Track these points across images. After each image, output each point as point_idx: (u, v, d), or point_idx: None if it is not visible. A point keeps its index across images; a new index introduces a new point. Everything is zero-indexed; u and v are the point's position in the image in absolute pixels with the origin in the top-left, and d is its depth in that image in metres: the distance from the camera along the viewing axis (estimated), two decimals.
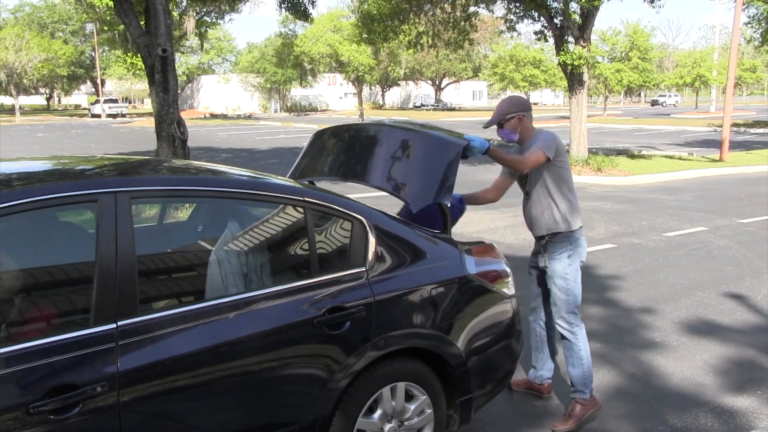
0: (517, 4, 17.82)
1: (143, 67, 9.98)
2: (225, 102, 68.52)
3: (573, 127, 16.71)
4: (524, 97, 4.16)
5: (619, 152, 20.20)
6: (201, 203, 3.30)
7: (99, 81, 61.68)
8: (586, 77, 16.56)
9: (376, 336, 2.96)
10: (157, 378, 2.43)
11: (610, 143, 24.75)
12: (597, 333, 5.39)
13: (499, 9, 20.71)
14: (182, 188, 2.86)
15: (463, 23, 19.04)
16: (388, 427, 3.09)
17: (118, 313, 2.41)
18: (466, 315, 3.32)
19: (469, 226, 9.44)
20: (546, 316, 4.22)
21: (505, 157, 3.76)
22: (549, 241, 3.97)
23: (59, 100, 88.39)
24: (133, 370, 2.37)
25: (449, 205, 3.47)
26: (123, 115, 57.26)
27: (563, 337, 4.03)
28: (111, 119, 54.12)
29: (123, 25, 12.70)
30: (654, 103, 77.17)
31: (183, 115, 10.80)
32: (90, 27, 57.19)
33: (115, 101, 60.95)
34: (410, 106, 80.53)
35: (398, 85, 75.99)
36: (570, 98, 16.96)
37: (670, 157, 19.55)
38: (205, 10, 30.79)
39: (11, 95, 52.46)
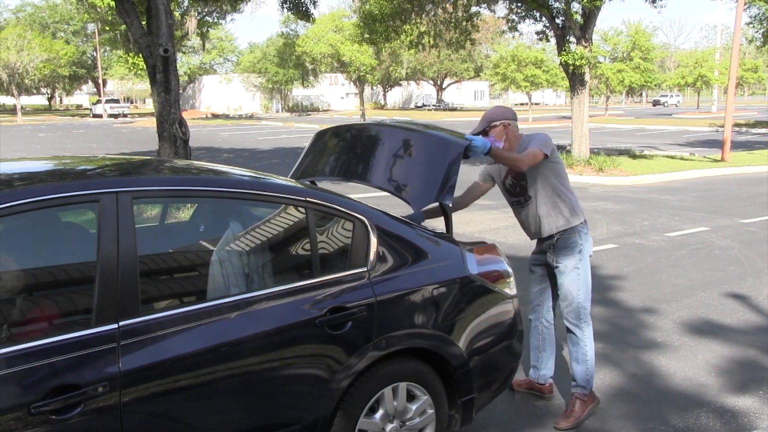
0: (519, 4, 17.82)
1: (145, 67, 9.98)
2: (227, 102, 68.54)
3: (575, 127, 16.70)
4: (510, 107, 4.14)
5: (621, 152, 20.18)
6: (202, 203, 3.30)
7: (101, 81, 61.73)
8: (587, 77, 16.55)
9: (377, 336, 2.96)
10: (159, 378, 2.43)
11: (611, 143, 24.74)
12: (599, 333, 5.39)
13: (501, 9, 20.68)
14: (184, 188, 2.86)
15: (464, 23, 19.05)
16: (389, 427, 3.09)
17: (119, 314, 2.41)
18: (468, 315, 3.32)
19: (470, 226, 9.44)
20: (548, 313, 4.22)
21: (506, 156, 3.76)
22: (559, 239, 3.97)
23: (61, 100, 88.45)
24: (134, 371, 2.37)
25: (450, 205, 3.46)
26: (125, 115, 57.30)
27: (570, 332, 4.03)
28: (113, 119, 54.16)
29: (124, 25, 12.71)
30: (656, 103, 77.09)
31: (185, 115, 10.80)
32: (91, 27, 57.21)
33: (117, 101, 61.00)
34: (412, 106, 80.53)
35: (400, 85, 75.99)
36: (572, 98, 16.95)
37: (672, 157, 19.54)
38: (206, 10, 30.82)
39: (13, 95, 52.49)
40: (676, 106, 74.12)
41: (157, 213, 3.54)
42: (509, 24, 19.24)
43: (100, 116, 56.35)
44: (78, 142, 28.22)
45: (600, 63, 39.76)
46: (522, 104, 65.60)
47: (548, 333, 4.23)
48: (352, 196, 3.24)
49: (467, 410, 3.34)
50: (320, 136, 4.23)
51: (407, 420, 3.16)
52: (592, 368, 4.02)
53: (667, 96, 76.02)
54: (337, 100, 76.28)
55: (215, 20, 35.26)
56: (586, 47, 15.99)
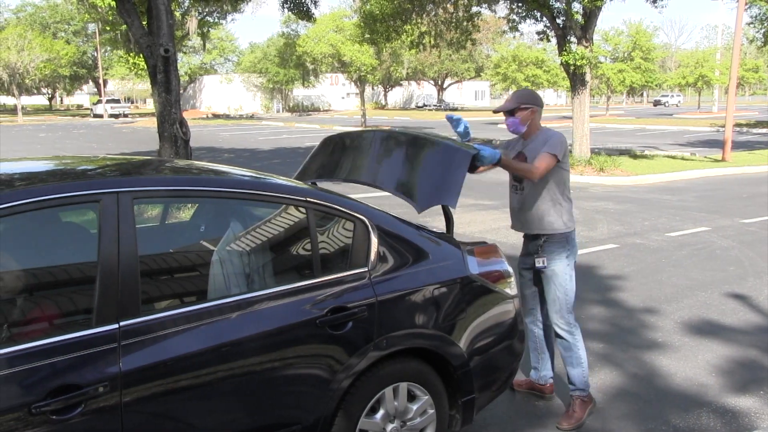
0: (520, 5, 17.82)
1: (145, 67, 9.98)
2: (227, 102, 68.56)
3: (575, 127, 16.70)
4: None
5: (622, 152, 20.18)
6: (203, 203, 3.30)
7: (101, 81, 61.73)
8: (588, 77, 16.55)
9: (378, 336, 2.95)
10: (160, 378, 2.42)
11: (612, 143, 24.73)
12: (599, 333, 5.39)
13: (502, 9, 20.67)
14: (184, 188, 2.86)
15: (465, 23, 19.04)
16: (390, 427, 3.09)
17: (120, 314, 2.41)
18: (469, 315, 3.31)
19: (471, 226, 9.44)
20: (543, 317, 4.21)
21: (518, 167, 3.75)
22: (547, 242, 3.94)
23: (61, 100, 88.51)
24: (135, 371, 2.37)
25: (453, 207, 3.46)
26: (125, 115, 57.31)
27: (561, 338, 4.02)
28: (113, 119, 54.18)
29: (125, 25, 12.72)
30: (656, 103, 77.10)
31: (185, 115, 10.81)
32: (92, 27, 57.21)
33: (118, 101, 60.98)
34: (412, 106, 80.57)
35: (401, 85, 75.99)
36: (572, 98, 16.95)
37: (673, 158, 19.53)
38: (207, 10, 30.80)
39: (13, 95, 52.49)
40: (677, 106, 74.12)
41: (157, 213, 3.54)
42: (510, 24, 19.23)
43: (100, 116, 56.37)
44: (78, 142, 28.23)
45: (601, 63, 39.73)
46: None
47: (543, 334, 4.22)
48: (353, 196, 3.24)
49: (468, 410, 3.34)
50: (327, 141, 4.23)
51: (408, 420, 3.16)
52: (587, 369, 4.03)
53: (667, 96, 76.02)
54: (338, 100, 76.30)
55: (216, 20, 35.22)
56: (587, 47, 15.99)
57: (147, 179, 2.83)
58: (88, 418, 2.27)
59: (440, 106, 72.58)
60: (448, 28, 19.59)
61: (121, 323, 2.39)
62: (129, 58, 33.15)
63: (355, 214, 3.08)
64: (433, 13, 19.39)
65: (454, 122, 3.79)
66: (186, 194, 2.92)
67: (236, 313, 2.65)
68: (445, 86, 76.28)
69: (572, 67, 16.09)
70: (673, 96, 75.85)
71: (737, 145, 21.94)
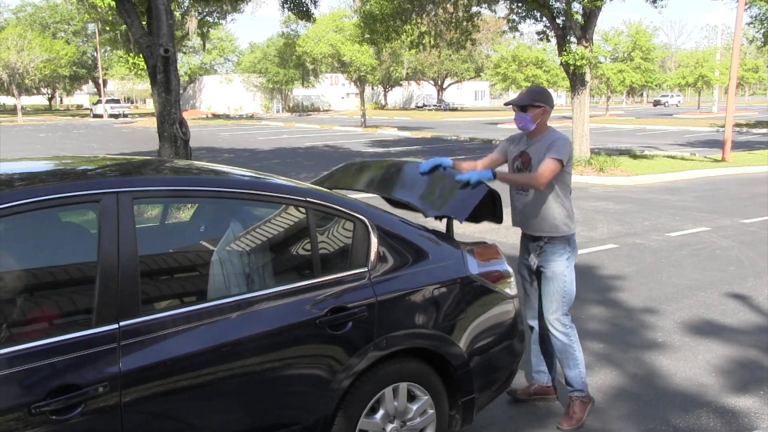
0: (520, 5, 17.81)
1: (145, 67, 9.98)
2: (227, 102, 68.54)
3: (575, 128, 16.70)
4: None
5: (622, 152, 20.18)
6: (203, 203, 3.30)
7: (101, 81, 61.73)
8: (588, 77, 16.54)
9: (378, 336, 2.95)
10: (159, 378, 2.42)
11: (612, 143, 24.74)
12: (599, 333, 5.39)
13: (502, 9, 20.65)
14: (184, 188, 2.86)
15: (465, 23, 19.03)
16: (390, 427, 3.09)
17: (120, 314, 2.40)
18: (468, 315, 3.31)
19: (470, 226, 9.42)
20: (540, 316, 4.17)
21: (519, 179, 3.76)
22: (548, 243, 3.93)
23: (61, 100, 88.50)
24: (135, 371, 2.37)
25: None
26: (125, 116, 57.30)
27: (558, 339, 4.00)
28: (113, 119, 54.16)
29: (125, 25, 12.72)
30: (656, 103, 77.10)
31: (185, 115, 10.81)
32: (92, 27, 57.26)
33: (117, 101, 60.97)
34: (412, 106, 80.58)
35: (400, 85, 75.99)
36: (572, 98, 16.95)
37: (673, 158, 19.53)
38: (207, 10, 30.81)
39: (13, 95, 52.49)
40: (677, 106, 74.13)
41: (157, 213, 3.54)
42: (510, 24, 19.22)
43: (100, 116, 56.35)
44: (78, 142, 28.24)
45: (601, 63, 39.72)
46: None
47: (545, 334, 4.19)
48: (353, 197, 3.24)
49: (468, 410, 3.34)
50: (348, 166, 4.31)
51: (408, 420, 3.16)
52: (584, 370, 4.01)
53: (667, 96, 76.02)
54: (338, 100, 76.31)
55: (216, 20, 35.24)
56: (586, 47, 15.98)
57: (147, 179, 2.83)
58: (88, 418, 2.27)
59: (440, 106, 72.57)
60: (448, 28, 19.58)
61: (121, 323, 2.39)
62: (129, 58, 33.14)
63: (355, 214, 3.08)
64: (433, 13, 19.38)
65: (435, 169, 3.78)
66: (186, 194, 2.92)
67: (236, 313, 2.65)
68: (444, 86, 76.27)
69: (572, 67, 16.09)
70: (672, 96, 75.85)
71: (737, 145, 21.94)
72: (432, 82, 76.04)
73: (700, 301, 6.25)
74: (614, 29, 53.13)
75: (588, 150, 16.73)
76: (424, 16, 19.32)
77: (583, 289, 6.16)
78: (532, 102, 3.84)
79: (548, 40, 18.29)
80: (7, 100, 70.33)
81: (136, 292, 2.46)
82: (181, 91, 10.30)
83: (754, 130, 33.64)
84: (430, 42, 20.12)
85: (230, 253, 3.02)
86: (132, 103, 78.78)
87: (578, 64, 15.86)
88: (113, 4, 12.65)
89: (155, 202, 3.24)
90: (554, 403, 4.21)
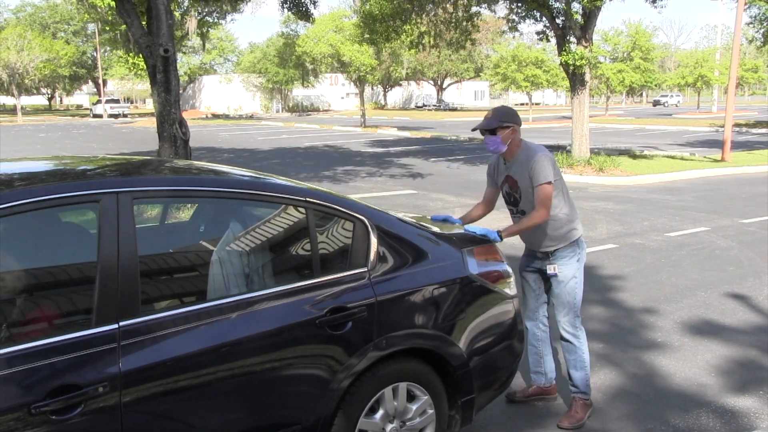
0: (519, 5, 17.82)
1: (145, 67, 9.98)
2: (227, 102, 68.52)
3: (575, 128, 16.70)
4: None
5: (621, 152, 20.18)
6: (203, 203, 3.30)
7: (101, 81, 61.73)
8: (588, 77, 16.55)
9: (378, 336, 2.95)
10: (159, 378, 2.43)
11: (612, 143, 24.74)
12: (599, 333, 5.39)
13: (501, 9, 20.69)
14: (184, 188, 2.86)
15: (465, 23, 19.03)
16: (389, 427, 3.09)
17: (120, 314, 2.40)
18: (468, 315, 3.32)
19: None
20: (544, 318, 4.18)
21: (523, 226, 3.79)
22: (558, 250, 3.93)
23: (61, 100, 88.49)
24: (134, 371, 2.37)
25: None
26: (125, 115, 57.29)
27: (566, 341, 4.01)
28: (113, 119, 54.15)
29: (125, 25, 12.72)
30: (656, 103, 77.06)
31: (185, 115, 10.80)
32: (92, 27, 57.27)
33: (117, 101, 60.98)
34: (412, 106, 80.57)
35: (400, 85, 75.98)
36: (572, 98, 16.95)
37: (672, 158, 19.53)
38: (206, 10, 30.80)
39: (13, 95, 52.49)
40: (677, 106, 74.09)
41: (157, 213, 3.54)
42: (509, 24, 19.22)
43: (100, 116, 56.34)
44: (78, 142, 28.23)
45: (600, 63, 39.70)
46: (522, 104, 65.48)
47: (546, 337, 4.21)
48: (353, 197, 3.24)
49: (467, 410, 3.34)
50: None
51: (407, 420, 3.16)
52: (589, 373, 4.04)
53: (667, 96, 76.00)
54: (338, 100, 76.30)
55: (215, 20, 35.22)
56: (586, 47, 15.99)
57: (147, 179, 2.83)
58: (88, 419, 2.27)
59: (440, 106, 72.57)
60: (448, 28, 19.57)
61: (121, 323, 2.39)
62: (128, 58, 33.13)
63: (355, 214, 3.08)
64: (433, 13, 19.37)
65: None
66: (185, 194, 2.92)
67: (236, 314, 2.65)
68: (444, 86, 76.28)
69: (572, 67, 16.09)
70: (672, 96, 75.83)
71: (736, 145, 21.93)
72: (432, 82, 76.04)
73: (699, 301, 6.26)
74: (614, 29, 53.12)
75: (587, 150, 16.74)
76: (423, 16, 19.31)
77: (583, 289, 6.15)
78: (501, 123, 3.80)
79: (548, 40, 18.30)
80: (7, 100, 70.30)
81: (136, 292, 2.46)
82: (180, 91, 10.30)
83: (754, 130, 33.64)
84: (429, 42, 20.12)
85: (230, 253, 3.02)
86: (132, 103, 78.75)
87: (578, 64, 15.86)
88: (113, 4, 12.65)
89: (155, 202, 3.24)
90: (553, 403, 4.21)
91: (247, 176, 3.09)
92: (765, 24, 25.20)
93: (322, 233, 3.20)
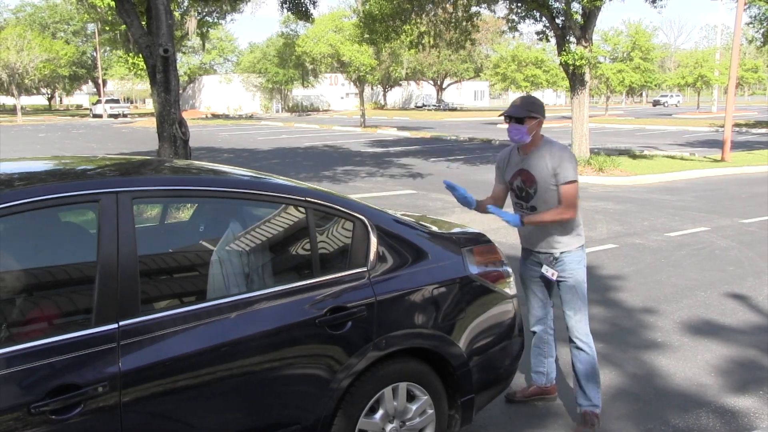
0: (519, 5, 17.82)
1: (145, 67, 9.98)
2: (227, 102, 68.54)
3: (575, 128, 16.71)
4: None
5: (621, 152, 20.18)
6: (202, 203, 3.30)
7: (100, 81, 61.73)
8: (587, 77, 16.55)
9: (377, 336, 2.95)
10: (159, 378, 2.42)
11: (611, 143, 24.74)
12: (599, 333, 5.39)
13: (501, 9, 20.67)
14: (184, 188, 2.86)
15: (464, 23, 19.03)
16: (389, 427, 3.09)
17: (119, 314, 2.40)
18: (468, 315, 3.31)
19: (470, 226, 9.42)
20: (550, 321, 4.10)
21: (546, 218, 3.67)
22: (564, 254, 3.81)
23: (61, 100, 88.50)
24: (134, 371, 2.37)
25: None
26: (124, 115, 57.28)
27: (580, 349, 3.88)
28: (112, 119, 54.14)
29: (124, 25, 12.71)
30: (656, 103, 77.10)
31: (184, 115, 10.80)
32: (91, 27, 57.26)
33: (117, 101, 60.96)
34: (412, 106, 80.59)
35: (400, 85, 75.98)
36: (572, 98, 16.96)
37: (672, 158, 19.53)
38: (206, 10, 30.81)
39: (13, 95, 52.48)
40: (676, 106, 74.13)
41: (157, 213, 3.54)
42: (509, 24, 19.23)
43: (100, 116, 56.33)
44: (78, 142, 28.22)
45: (600, 63, 39.75)
46: None
47: (552, 339, 4.14)
48: (352, 196, 3.24)
49: (467, 410, 3.34)
50: None
51: (407, 420, 3.16)
52: (600, 383, 3.93)
53: (667, 96, 76.03)
54: (337, 100, 76.30)
55: (215, 20, 35.23)
56: (586, 47, 15.99)
57: (146, 179, 2.83)
58: (88, 418, 2.27)
59: (439, 106, 72.58)
60: (448, 28, 19.57)
61: (121, 323, 2.39)
62: (128, 58, 33.16)
63: (355, 214, 3.08)
64: (433, 13, 19.37)
65: (452, 189, 3.85)
66: (185, 194, 2.92)
67: (235, 313, 2.65)
68: (444, 86, 76.28)
69: (571, 67, 16.10)
70: (672, 96, 75.86)
71: (736, 145, 21.94)
72: (431, 82, 76.04)
73: (699, 301, 6.26)
74: (614, 29, 53.19)
75: (587, 150, 16.74)
76: (423, 16, 19.31)
77: None
78: (529, 113, 3.67)
79: (548, 40, 18.30)
80: (7, 100, 70.33)
81: (136, 292, 2.46)
82: (180, 91, 10.30)
83: (754, 130, 33.64)
84: (429, 42, 20.12)
85: (230, 252, 3.02)
86: (131, 103, 78.75)
87: (577, 64, 15.87)
88: (113, 4, 12.65)
89: (155, 202, 3.25)
90: (553, 404, 4.21)
91: (247, 176, 3.09)
92: (765, 24, 25.21)
93: (322, 233, 3.20)
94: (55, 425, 2.20)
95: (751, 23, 25.56)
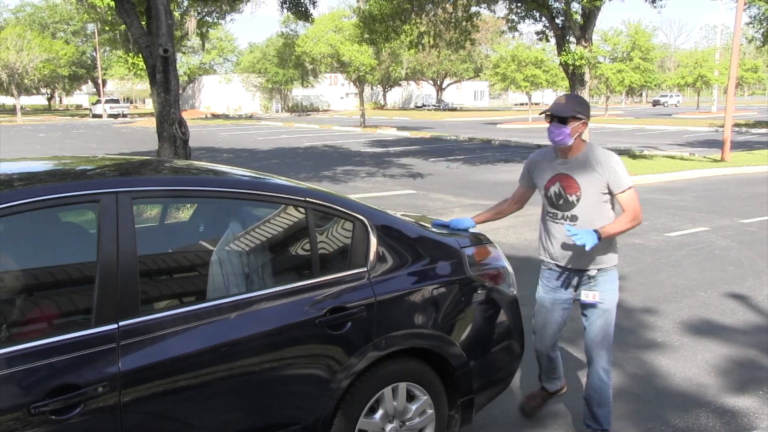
0: (519, 4, 17.83)
1: (144, 67, 9.98)
2: (226, 102, 68.53)
3: None
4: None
5: (621, 152, 20.17)
6: (202, 203, 3.31)
7: (100, 81, 61.72)
8: (587, 77, 16.56)
9: (377, 336, 2.95)
10: (159, 378, 2.42)
11: (611, 143, 24.73)
12: None
13: (501, 9, 20.67)
14: (184, 188, 2.86)
15: (464, 23, 19.04)
16: (389, 427, 3.09)
17: (119, 314, 2.40)
18: (468, 315, 3.31)
19: None
20: (557, 342, 3.85)
21: (620, 228, 3.39)
22: (600, 273, 3.52)
23: (60, 100, 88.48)
24: (134, 371, 2.37)
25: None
26: (124, 116, 57.26)
27: (601, 381, 3.60)
28: (112, 119, 54.12)
29: (124, 25, 12.71)
30: (655, 103, 77.09)
31: (184, 115, 10.80)
32: (91, 27, 57.26)
33: (117, 101, 60.94)
34: (411, 106, 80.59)
35: (399, 85, 75.99)
36: None
37: (672, 158, 19.53)
38: (206, 10, 30.81)
39: (13, 95, 52.46)
40: (676, 106, 74.13)
41: (157, 213, 3.54)
42: (509, 24, 19.25)
43: (99, 116, 56.32)
44: (78, 142, 28.22)
45: (600, 63, 39.75)
46: (522, 104, 65.53)
47: (558, 353, 3.93)
48: (352, 197, 3.24)
49: (467, 410, 3.34)
50: None
51: (407, 420, 3.16)
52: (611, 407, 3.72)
53: (666, 96, 76.03)
54: (337, 100, 76.30)
55: (215, 20, 35.27)
56: (585, 47, 16.00)
57: (146, 179, 2.83)
58: (88, 418, 2.26)
59: (439, 106, 72.59)
60: (447, 28, 19.58)
61: (121, 323, 2.39)
62: (128, 58, 33.18)
63: (355, 214, 3.08)
64: (432, 13, 19.38)
65: (445, 227, 3.59)
66: (185, 194, 2.92)
67: (235, 314, 2.65)
68: (444, 86, 76.29)
69: (571, 67, 16.10)
70: (672, 96, 75.86)
71: (736, 145, 21.94)
72: (431, 82, 76.05)
73: (699, 301, 6.26)
74: (613, 29, 53.21)
75: None
76: (423, 16, 19.32)
77: None
78: (575, 113, 3.36)
79: (547, 40, 18.31)
80: (7, 100, 70.30)
81: (136, 292, 2.46)
82: (180, 91, 10.29)
83: (753, 130, 33.64)
84: (429, 42, 20.12)
85: (229, 253, 3.02)
86: (131, 103, 78.74)
87: (577, 64, 15.87)
88: (112, 4, 12.65)
89: (154, 202, 3.24)
90: (554, 404, 4.21)
91: (247, 176, 3.09)
92: (765, 24, 25.23)
93: (322, 233, 3.20)
94: (55, 425, 2.20)
95: (750, 23, 25.58)
